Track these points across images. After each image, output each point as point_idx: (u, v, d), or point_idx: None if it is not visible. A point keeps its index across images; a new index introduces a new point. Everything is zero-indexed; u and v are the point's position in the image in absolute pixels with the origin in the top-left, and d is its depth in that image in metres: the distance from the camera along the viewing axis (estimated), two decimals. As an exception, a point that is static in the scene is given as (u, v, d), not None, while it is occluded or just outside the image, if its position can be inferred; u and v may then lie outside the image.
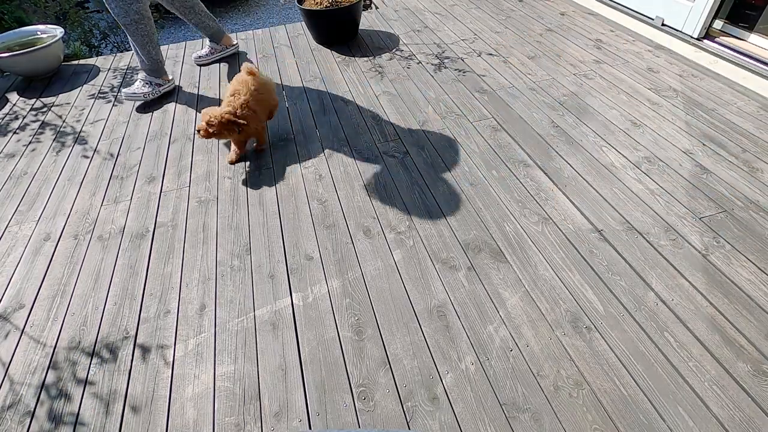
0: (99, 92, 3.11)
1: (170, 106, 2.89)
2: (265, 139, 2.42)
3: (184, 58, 3.48)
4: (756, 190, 1.99)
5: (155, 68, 2.84)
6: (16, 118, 2.89)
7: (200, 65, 3.33)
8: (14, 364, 1.53)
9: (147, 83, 2.85)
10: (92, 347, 1.57)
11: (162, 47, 3.68)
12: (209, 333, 1.58)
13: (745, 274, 1.64)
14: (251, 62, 3.32)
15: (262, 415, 1.35)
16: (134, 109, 2.87)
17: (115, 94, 3.07)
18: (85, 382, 1.47)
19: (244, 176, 2.27)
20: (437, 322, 1.56)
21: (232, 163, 2.34)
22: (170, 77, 2.99)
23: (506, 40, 3.41)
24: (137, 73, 3.20)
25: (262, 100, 2.29)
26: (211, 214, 2.06)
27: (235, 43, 3.42)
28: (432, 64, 3.15)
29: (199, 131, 2.08)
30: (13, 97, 3.13)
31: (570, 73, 2.93)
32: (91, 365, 1.51)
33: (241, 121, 2.11)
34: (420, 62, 3.19)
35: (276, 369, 1.47)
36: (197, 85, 3.11)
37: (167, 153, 2.47)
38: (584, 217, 1.92)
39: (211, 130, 2.07)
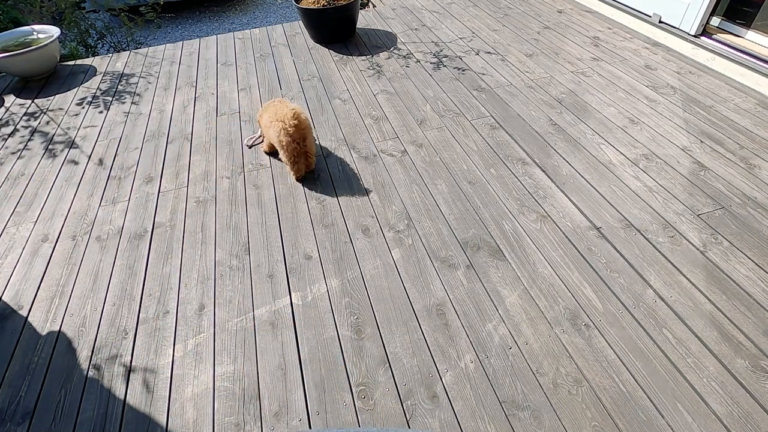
0: (96, 93, 3.11)
1: (167, 107, 2.88)
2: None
3: (180, 58, 3.47)
4: (754, 187, 1.99)
5: None
6: (12, 119, 2.88)
7: None
8: (13, 365, 1.53)
9: None
10: (91, 348, 1.56)
11: (159, 47, 3.68)
12: (208, 333, 1.58)
13: (743, 271, 1.65)
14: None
15: (262, 414, 1.35)
16: (131, 109, 2.87)
17: (112, 94, 3.06)
18: (84, 383, 1.46)
19: (242, 176, 2.26)
20: (436, 321, 1.56)
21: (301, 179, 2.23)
22: None
23: (504, 38, 3.41)
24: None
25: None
26: (210, 214, 2.06)
27: None
28: (430, 63, 3.14)
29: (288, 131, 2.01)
30: (10, 98, 3.12)
31: (568, 71, 2.93)
32: (90, 366, 1.51)
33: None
34: (418, 61, 3.18)
35: (275, 368, 1.47)
36: (194, 85, 3.10)
37: (165, 153, 2.47)
38: (582, 214, 1.92)
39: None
